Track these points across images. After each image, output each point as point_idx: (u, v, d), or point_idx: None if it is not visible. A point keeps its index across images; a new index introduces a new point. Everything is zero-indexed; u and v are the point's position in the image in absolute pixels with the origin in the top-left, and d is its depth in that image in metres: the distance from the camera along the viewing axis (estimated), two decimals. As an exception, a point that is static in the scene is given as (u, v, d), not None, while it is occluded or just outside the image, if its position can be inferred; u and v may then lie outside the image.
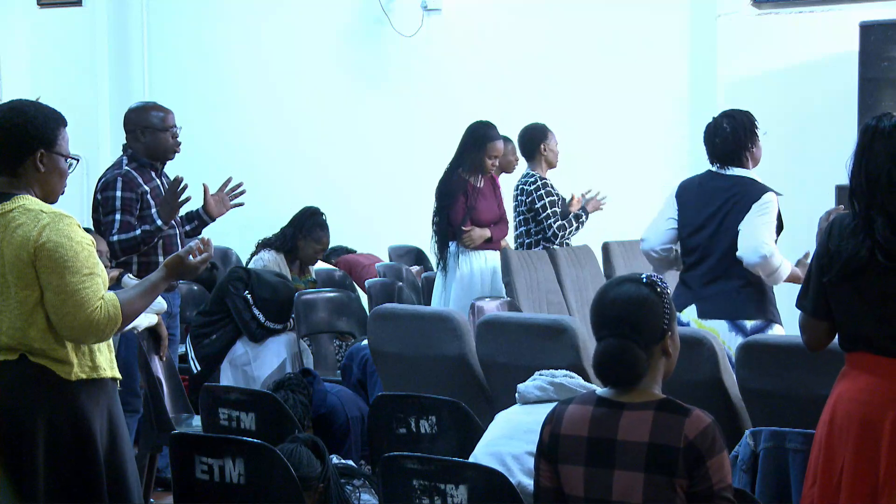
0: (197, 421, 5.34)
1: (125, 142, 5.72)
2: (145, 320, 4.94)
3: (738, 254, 4.87)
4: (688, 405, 2.87)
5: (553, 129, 7.29)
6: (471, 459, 3.56)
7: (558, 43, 9.28)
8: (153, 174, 5.65)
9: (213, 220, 5.84)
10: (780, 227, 5.00)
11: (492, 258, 6.92)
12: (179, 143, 5.71)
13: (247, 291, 6.31)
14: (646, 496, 2.81)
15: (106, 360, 3.47)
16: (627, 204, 8.24)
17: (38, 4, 10.69)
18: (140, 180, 5.55)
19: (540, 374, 3.66)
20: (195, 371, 6.30)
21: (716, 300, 4.95)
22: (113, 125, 9.39)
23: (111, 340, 3.52)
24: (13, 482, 3.35)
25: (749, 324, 4.89)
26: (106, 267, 4.28)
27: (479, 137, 6.91)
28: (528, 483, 3.37)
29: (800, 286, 3.40)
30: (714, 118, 5.13)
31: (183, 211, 5.76)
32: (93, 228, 5.56)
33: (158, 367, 5.49)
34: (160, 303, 4.87)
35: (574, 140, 7.78)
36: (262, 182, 8.81)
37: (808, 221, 4.35)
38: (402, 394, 4.41)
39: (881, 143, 3.21)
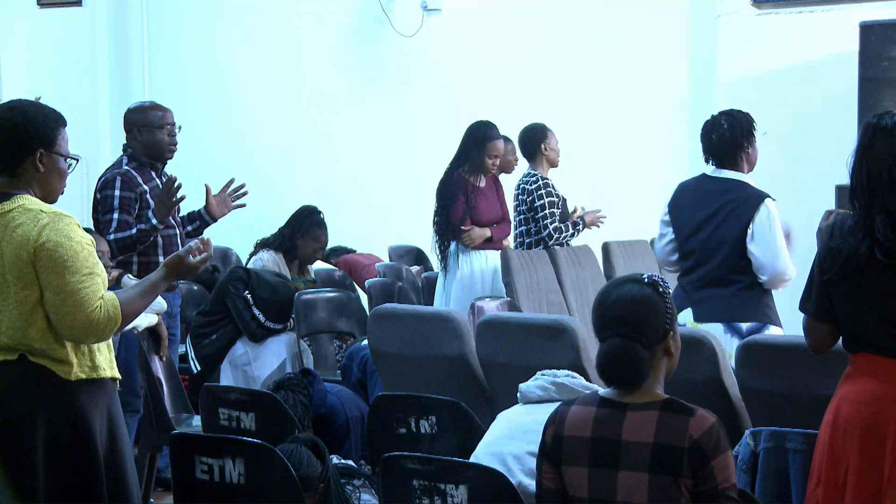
0: (197, 421, 5.34)
1: (125, 142, 5.72)
2: (145, 320, 4.94)
3: (763, 280, 4.89)
4: (692, 405, 2.87)
5: (553, 129, 7.29)
6: (472, 459, 3.56)
7: (558, 43, 9.28)
8: (153, 174, 5.65)
9: (215, 220, 5.85)
10: None
11: (492, 258, 6.92)
12: (176, 142, 5.71)
13: (247, 291, 6.31)
14: (650, 496, 2.81)
15: (105, 360, 3.47)
16: (627, 204, 8.25)
17: (38, 4, 10.69)
18: (139, 180, 5.55)
19: (542, 374, 3.66)
20: (195, 371, 6.30)
21: (711, 303, 4.95)
22: (113, 125, 9.40)
23: (111, 340, 3.52)
24: (13, 482, 3.35)
25: (745, 326, 4.89)
26: (106, 267, 4.29)
27: (479, 137, 6.91)
28: (529, 483, 3.37)
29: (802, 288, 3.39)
30: (713, 115, 5.12)
31: (185, 211, 5.76)
32: (93, 228, 5.57)
33: (158, 367, 5.48)
34: (160, 303, 4.88)
35: (574, 140, 7.78)
36: (262, 182, 8.80)
37: (808, 221, 4.35)
38: (402, 394, 4.41)
39: (882, 142, 3.20)
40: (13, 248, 3.32)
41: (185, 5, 10.55)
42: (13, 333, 3.34)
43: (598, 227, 7.34)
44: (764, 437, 3.74)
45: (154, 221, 5.42)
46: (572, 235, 7.20)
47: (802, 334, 3.45)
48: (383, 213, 9.64)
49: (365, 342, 5.80)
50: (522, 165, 7.43)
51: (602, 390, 3.00)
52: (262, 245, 6.95)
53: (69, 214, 3.40)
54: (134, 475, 3.56)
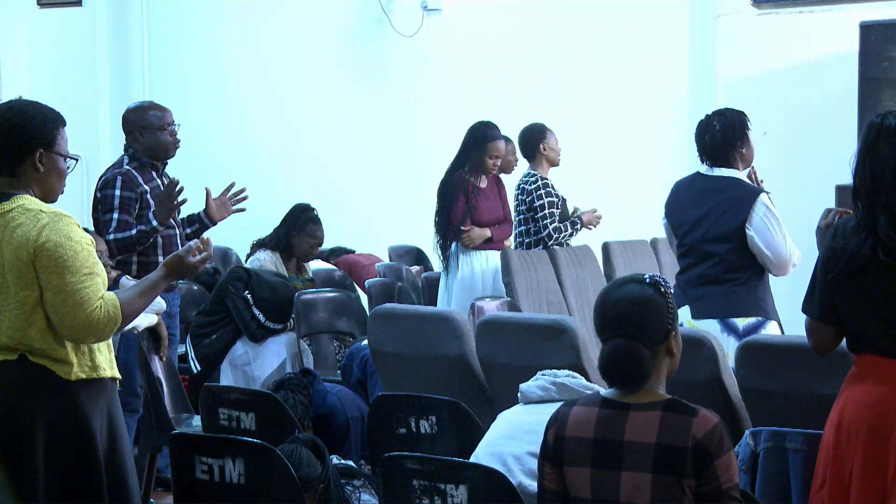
0: (197, 421, 5.34)
1: (125, 142, 5.72)
2: (145, 320, 4.94)
3: (773, 272, 4.92)
4: (694, 405, 2.87)
5: (553, 129, 7.29)
6: (472, 459, 3.56)
7: (558, 43, 9.28)
8: (154, 174, 5.65)
9: (215, 223, 5.84)
10: None
11: (493, 258, 6.92)
12: (178, 141, 5.71)
13: (247, 291, 6.31)
14: (653, 497, 2.80)
15: (105, 360, 3.47)
16: (627, 204, 8.25)
17: (38, 4, 10.69)
18: (140, 180, 5.55)
19: (542, 374, 3.66)
20: (195, 371, 6.30)
21: (707, 301, 4.95)
22: (113, 125, 9.39)
23: (111, 340, 3.52)
24: (13, 482, 3.35)
25: (742, 323, 4.89)
26: (106, 266, 4.28)
27: (480, 137, 6.92)
28: (529, 483, 3.37)
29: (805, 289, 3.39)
30: (706, 115, 5.13)
31: (185, 213, 5.76)
32: (92, 228, 5.56)
33: (158, 367, 5.48)
34: (160, 303, 4.87)
35: (574, 140, 7.79)
36: (262, 182, 8.82)
37: (808, 221, 4.35)
38: (402, 394, 4.41)
39: (886, 141, 3.19)
40: (13, 248, 3.32)
41: (185, 5, 10.55)
42: (13, 333, 3.34)
43: (592, 228, 7.34)
44: (764, 437, 3.74)
45: (154, 223, 5.42)
46: (571, 235, 7.20)
47: (802, 333, 3.44)
48: (383, 213, 9.64)
49: (365, 342, 5.80)
50: (523, 165, 7.43)
51: (604, 391, 2.99)
52: (259, 245, 6.94)
53: (69, 214, 3.40)
54: (134, 475, 3.56)
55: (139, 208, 5.50)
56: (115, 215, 5.44)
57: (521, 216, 7.17)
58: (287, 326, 6.41)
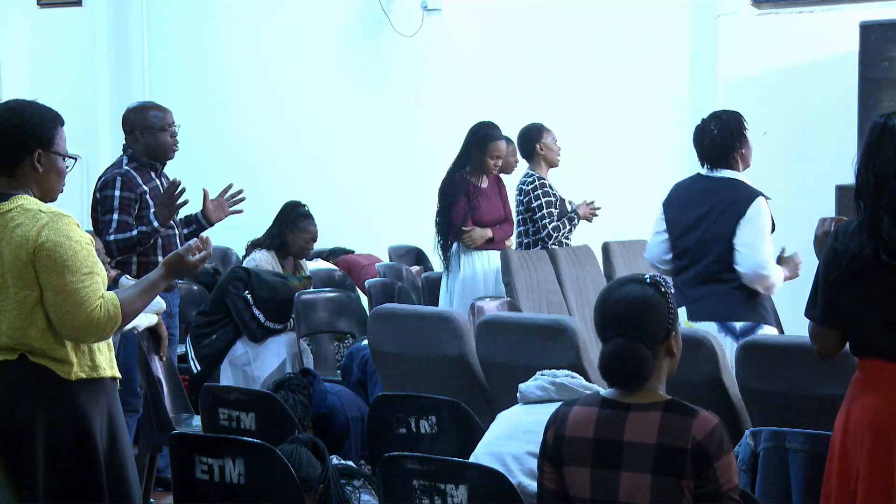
0: (197, 421, 5.34)
1: (125, 142, 5.71)
2: (145, 320, 4.93)
3: (738, 269, 4.88)
4: (694, 406, 2.87)
5: (553, 129, 7.29)
6: (471, 459, 3.56)
7: (558, 43, 9.28)
8: (153, 174, 5.65)
9: (212, 225, 5.82)
10: (771, 229, 4.99)
11: (494, 258, 6.92)
12: (178, 142, 5.70)
13: (247, 291, 6.31)
14: (653, 497, 2.80)
15: (105, 360, 3.47)
16: (627, 204, 8.24)
17: (38, 4, 10.69)
18: (139, 180, 5.55)
19: (541, 374, 3.66)
20: (195, 371, 6.30)
21: (706, 302, 4.95)
22: (113, 125, 9.39)
23: (111, 340, 3.52)
24: (13, 482, 3.35)
25: (739, 325, 4.89)
26: (105, 265, 4.28)
27: (481, 137, 6.92)
28: (529, 483, 3.36)
29: (808, 291, 3.38)
30: (703, 119, 5.13)
31: (182, 214, 5.75)
32: (91, 228, 5.56)
33: (158, 367, 5.48)
34: (159, 302, 4.87)
35: (574, 140, 7.79)
36: (262, 182, 8.83)
37: (808, 221, 4.35)
38: (402, 394, 4.41)
39: (890, 142, 3.18)
40: (12, 248, 3.32)
41: (185, 5, 10.55)
42: (13, 333, 3.34)
43: (590, 221, 7.32)
44: (764, 437, 3.74)
45: (156, 224, 5.42)
46: (570, 231, 7.20)
47: (802, 334, 3.44)
48: (383, 213, 9.64)
49: (365, 342, 5.80)
50: (523, 166, 7.44)
51: (604, 391, 2.99)
52: (254, 246, 6.93)
53: (68, 214, 3.40)
54: (134, 475, 3.56)
55: (138, 209, 5.49)
56: (115, 216, 5.44)
57: (520, 216, 7.18)
58: (287, 326, 6.41)
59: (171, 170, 5.82)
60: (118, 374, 3.54)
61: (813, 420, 3.75)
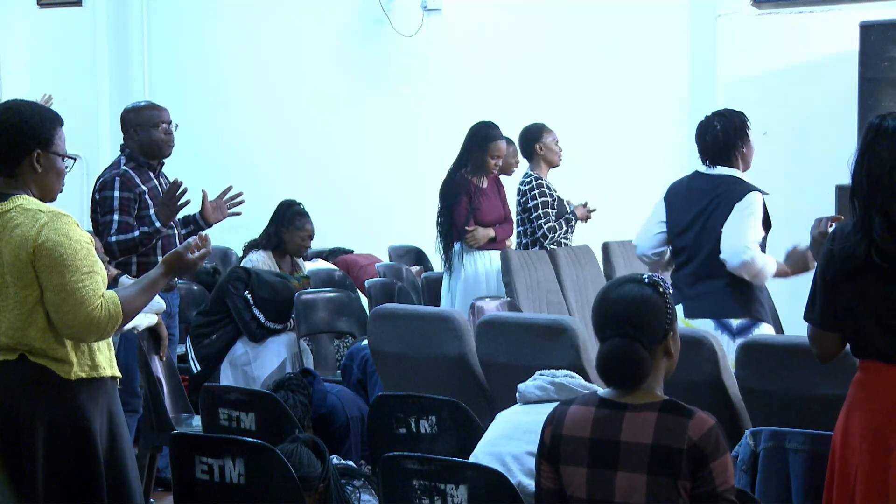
0: (197, 421, 5.34)
1: (122, 142, 5.72)
2: (145, 320, 4.94)
3: (721, 257, 4.88)
4: (691, 406, 2.87)
5: (553, 129, 7.29)
6: (471, 459, 3.56)
7: (558, 43, 9.28)
8: (151, 174, 5.65)
9: (210, 226, 5.82)
10: (768, 226, 4.98)
11: (496, 258, 6.93)
12: (172, 139, 5.70)
13: (247, 291, 6.31)
14: (649, 498, 2.80)
15: (106, 359, 3.47)
16: (627, 204, 8.23)
17: (38, 4, 10.69)
18: (138, 180, 5.55)
19: (541, 374, 3.66)
20: (195, 371, 6.30)
21: (702, 300, 4.96)
22: (113, 125, 9.37)
23: (111, 339, 3.52)
24: (13, 482, 3.35)
25: (735, 323, 4.89)
26: (104, 263, 4.28)
27: (481, 137, 6.92)
28: (528, 483, 3.36)
29: (807, 293, 3.37)
30: (707, 116, 5.13)
31: (180, 214, 5.75)
32: (91, 229, 5.56)
33: (158, 367, 5.48)
34: (159, 302, 4.87)
35: (574, 140, 7.79)
36: (262, 182, 8.84)
37: (808, 221, 4.34)
38: (402, 394, 4.41)
39: (885, 143, 3.18)
40: (12, 247, 3.32)
41: (185, 5, 10.55)
42: (13, 333, 3.34)
43: (586, 221, 7.33)
44: (764, 437, 3.74)
45: (157, 224, 5.42)
46: (567, 232, 7.20)
47: (802, 334, 3.44)
48: (383, 213, 9.64)
49: (365, 342, 5.80)
50: (524, 166, 7.44)
51: (601, 390, 2.99)
52: (251, 247, 6.92)
53: (67, 213, 3.40)
54: (135, 475, 3.56)
55: (138, 209, 5.50)
56: (116, 217, 5.44)
57: (519, 217, 7.19)
58: (287, 326, 6.41)
59: (172, 170, 5.82)
60: (118, 374, 3.54)
61: (813, 420, 3.75)
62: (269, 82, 10.25)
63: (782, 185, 7.26)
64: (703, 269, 4.97)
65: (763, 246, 4.95)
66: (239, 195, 5.82)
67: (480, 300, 6.32)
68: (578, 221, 7.28)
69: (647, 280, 2.95)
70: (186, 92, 10.22)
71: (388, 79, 9.90)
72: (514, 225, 7.24)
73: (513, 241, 7.42)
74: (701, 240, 4.98)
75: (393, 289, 7.16)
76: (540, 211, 7.04)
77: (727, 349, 4.57)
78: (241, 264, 6.82)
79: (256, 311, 6.29)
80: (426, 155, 8.73)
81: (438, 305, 6.98)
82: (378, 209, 9.70)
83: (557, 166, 7.28)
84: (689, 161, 6.23)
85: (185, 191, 5.40)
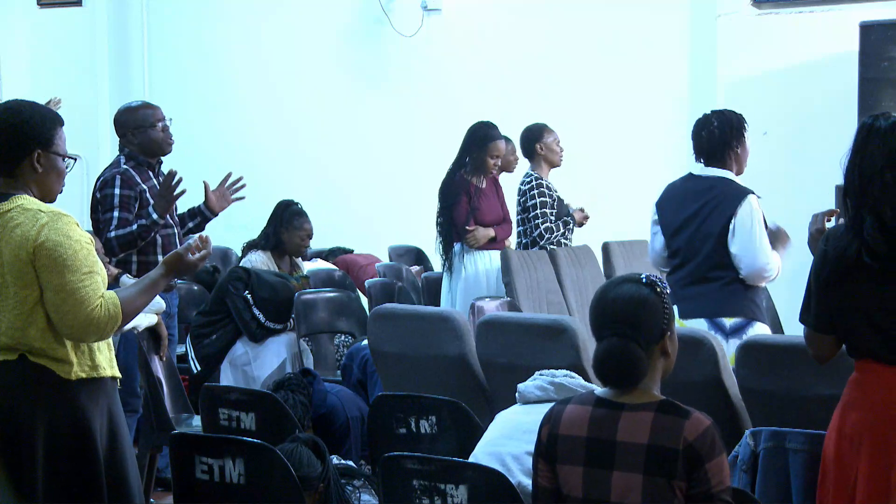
0: (197, 421, 5.34)
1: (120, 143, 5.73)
2: (145, 320, 4.94)
3: (742, 275, 4.89)
4: (687, 407, 2.87)
5: (553, 128, 7.30)
6: (471, 459, 3.56)
7: (558, 43, 9.28)
8: (150, 173, 5.65)
9: (216, 215, 5.85)
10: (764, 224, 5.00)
11: (496, 258, 6.93)
12: (171, 135, 5.70)
13: (247, 291, 6.31)
14: (644, 498, 2.80)
15: (105, 359, 3.47)
16: (627, 204, 8.24)
17: (38, 4, 10.70)
18: (138, 179, 5.56)
19: (540, 374, 3.66)
20: (195, 371, 6.30)
21: (697, 300, 4.96)
22: (113, 125, 9.41)
23: (111, 339, 3.52)
24: (13, 482, 3.35)
25: (729, 322, 4.89)
26: (105, 263, 4.29)
27: (480, 137, 6.92)
28: (528, 483, 3.36)
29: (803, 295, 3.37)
30: (705, 114, 5.13)
31: (184, 207, 5.76)
32: (91, 228, 5.56)
33: (158, 367, 5.48)
34: (159, 302, 4.87)
35: (574, 140, 7.79)
36: (262, 182, 8.80)
37: (807, 221, 4.36)
38: (402, 394, 4.41)
39: (877, 143, 3.17)
40: (12, 247, 3.32)
41: (185, 5, 10.56)
42: (13, 333, 3.34)
43: (581, 226, 7.35)
44: (764, 437, 3.74)
45: (155, 216, 5.42)
46: (563, 234, 7.21)
47: (801, 333, 3.44)
48: (383, 213, 9.64)
49: (365, 342, 5.80)
50: (525, 166, 7.44)
51: (598, 390, 2.99)
52: (250, 247, 6.92)
53: (68, 213, 3.40)
54: (135, 475, 3.56)
55: (138, 207, 5.50)
56: (116, 213, 5.45)
57: (519, 217, 7.19)
58: (287, 326, 6.41)
59: (172, 168, 5.82)
60: (118, 374, 3.54)
61: (813, 420, 3.74)
62: (269, 82, 10.26)
63: (782, 185, 7.27)
64: (697, 272, 4.98)
65: None
66: (240, 180, 5.84)
67: (480, 300, 6.32)
68: (575, 225, 7.29)
69: (644, 280, 2.95)
70: (186, 92, 10.23)
71: (388, 79, 9.90)
72: (515, 225, 7.25)
73: (513, 242, 7.42)
74: (695, 242, 4.98)
75: (393, 289, 7.16)
76: (538, 211, 7.05)
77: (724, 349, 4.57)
78: (241, 264, 6.82)
79: (256, 311, 6.29)
80: (426, 155, 8.73)
81: (438, 305, 6.98)
82: (378, 209, 9.70)
83: (558, 166, 7.28)
84: (688, 161, 6.23)
85: (180, 180, 5.40)
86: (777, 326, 6.53)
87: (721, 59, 8.69)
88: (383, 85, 9.92)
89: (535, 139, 7.22)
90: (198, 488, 3.61)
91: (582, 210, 7.36)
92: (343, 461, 4.49)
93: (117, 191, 5.48)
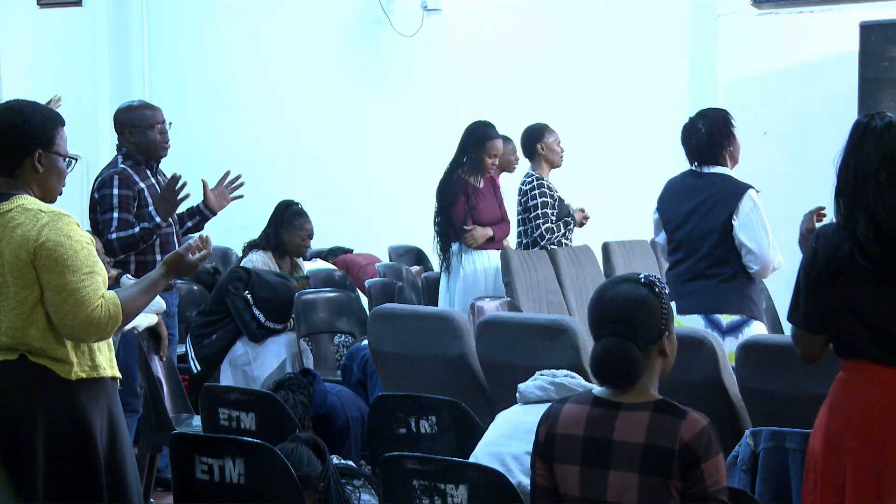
0: (197, 421, 5.34)
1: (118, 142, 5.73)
2: (145, 320, 4.94)
3: (751, 270, 4.90)
4: (684, 407, 2.87)
5: (553, 128, 7.30)
6: (471, 459, 3.56)
7: (558, 43, 9.28)
8: (148, 172, 5.65)
9: (215, 213, 5.84)
10: None
11: (494, 258, 6.93)
12: (168, 139, 5.70)
13: (247, 291, 6.31)
14: (640, 497, 2.80)
15: (106, 360, 3.47)
16: (627, 204, 8.24)
17: (38, 4, 10.70)
18: (136, 178, 5.56)
19: (541, 374, 3.66)
20: (195, 371, 6.30)
21: (695, 296, 4.97)
22: (112, 123, 9.42)
23: (111, 339, 3.52)
24: (13, 482, 3.35)
25: (725, 320, 4.90)
26: (105, 263, 4.28)
27: (478, 137, 6.91)
28: (528, 483, 3.36)
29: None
30: (690, 118, 5.15)
31: (183, 207, 5.76)
32: (90, 229, 5.56)
33: (158, 367, 5.48)
34: (159, 302, 4.88)
35: (574, 140, 7.79)
36: (262, 182, 8.82)
37: (806, 221, 4.39)
38: (402, 394, 4.41)
39: (872, 143, 3.16)
40: (13, 247, 3.32)
41: (185, 5, 10.56)
42: (13, 333, 3.34)
43: (581, 227, 7.35)
44: (764, 437, 3.74)
45: (157, 219, 5.42)
46: (564, 235, 7.21)
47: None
48: (383, 213, 9.64)
49: (365, 342, 5.80)
50: (525, 166, 7.44)
51: (596, 389, 2.99)
52: (251, 247, 6.93)
53: (68, 213, 3.40)
54: (134, 475, 3.56)
55: (137, 206, 5.50)
56: (116, 214, 5.45)
57: (520, 216, 7.19)
58: (287, 326, 6.41)
59: (172, 169, 5.82)
60: (118, 374, 3.54)
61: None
62: (269, 82, 10.26)
63: (782, 185, 7.27)
64: (696, 268, 4.99)
65: None
66: (238, 178, 5.83)
67: (480, 300, 6.32)
68: (576, 225, 7.29)
69: (643, 280, 2.95)
70: (186, 92, 10.23)
71: (388, 79, 9.91)
72: (515, 225, 7.25)
73: (513, 241, 7.42)
74: (695, 238, 5.00)
75: (393, 289, 7.16)
76: (539, 211, 7.05)
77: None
78: (241, 264, 6.82)
79: (256, 311, 6.29)
80: (426, 155, 8.72)
81: (437, 305, 6.98)
82: (378, 209, 9.70)
83: (559, 167, 7.28)
84: (688, 161, 6.24)
85: (184, 184, 5.40)
86: (777, 326, 6.54)
87: (721, 59, 8.69)
88: (383, 85, 9.92)
89: (536, 139, 7.22)
90: (198, 488, 3.61)
91: (582, 210, 7.36)
92: (343, 461, 4.49)
93: (116, 191, 5.48)
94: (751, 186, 4.97)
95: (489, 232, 6.92)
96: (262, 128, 10.21)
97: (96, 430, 3.41)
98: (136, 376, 5.45)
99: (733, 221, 4.91)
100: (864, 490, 3.11)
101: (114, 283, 4.77)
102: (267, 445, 3.59)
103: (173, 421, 5.43)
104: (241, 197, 5.87)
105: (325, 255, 8.59)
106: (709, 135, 5.03)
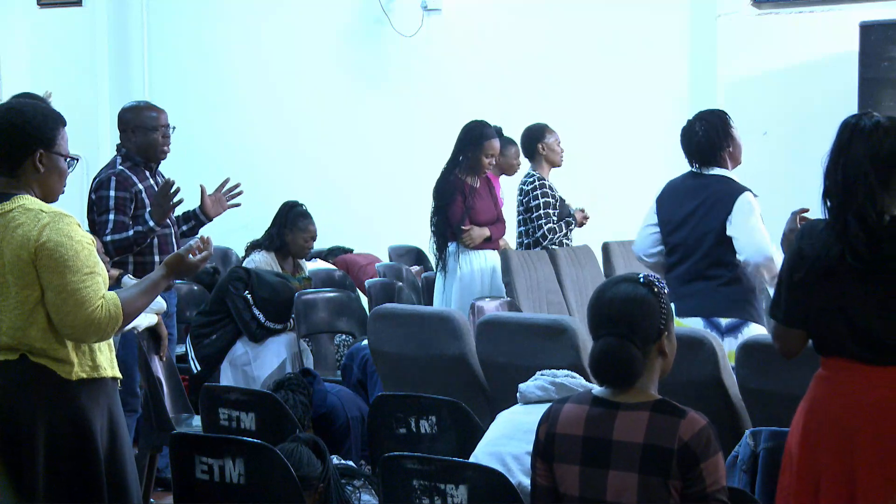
0: (197, 421, 5.34)
1: (119, 141, 5.73)
2: (145, 320, 4.94)
3: (742, 259, 4.87)
4: (683, 406, 2.87)
5: (553, 129, 7.30)
6: (471, 459, 3.56)
7: (558, 43, 9.28)
8: (147, 173, 5.65)
9: (210, 220, 5.84)
10: None
11: (491, 257, 6.92)
12: (169, 143, 5.70)
13: (247, 291, 6.31)
14: (640, 497, 2.81)
15: (106, 360, 3.47)
16: (627, 204, 8.23)
17: (38, 4, 10.70)
18: (134, 179, 5.56)
19: (541, 374, 3.66)
20: (195, 371, 6.30)
21: (694, 298, 4.96)
22: (113, 125, 9.29)
23: (112, 340, 3.52)
24: (13, 482, 3.35)
25: (724, 322, 4.89)
26: (105, 263, 4.28)
27: (475, 136, 6.90)
28: (528, 483, 3.36)
29: None
30: (688, 121, 5.14)
31: (180, 210, 5.76)
32: (88, 229, 5.56)
33: (158, 367, 5.48)
34: (159, 302, 4.87)
35: (574, 140, 7.79)
36: (262, 182, 8.83)
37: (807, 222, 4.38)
38: (402, 394, 4.41)
39: (860, 143, 3.13)
40: (13, 248, 3.32)
41: (185, 5, 10.56)
42: (14, 333, 3.34)
43: (581, 227, 7.35)
44: (764, 437, 3.74)
45: (151, 223, 5.42)
46: (565, 235, 7.21)
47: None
48: (383, 213, 9.64)
49: (365, 342, 5.80)
50: (526, 166, 7.45)
51: (596, 389, 3.00)
52: (253, 247, 6.93)
53: (69, 214, 3.40)
54: (134, 475, 3.56)
55: (134, 208, 5.50)
56: (111, 216, 5.44)
57: (520, 217, 7.19)
58: (287, 326, 6.41)
59: (172, 170, 5.82)
60: (119, 374, 3.54)
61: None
62: (269, 82, 10.26)
63: (782, 185, 7.26)
64: (695, 269, 4.99)
65: None
66: (237, 186, 5.83)
67: (480, 300, 6.32)
68: (576, 225, 7.30)
69: (642, 280, 2.96)
70: (186, 92, 10.23)
71: (388, 79, 9.90)
72: (515, 225, 7.25)
73: (513, 242, 7.41)
74: (694, 240, 5.00)
75: (393, 289, 7.16)
76: (541, 211, 7.05)
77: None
78: (243, 265, 6.82)
79: (256, 311, 6.29)
80: (426, 155, 8.71)
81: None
82: (378, 209, 9.70)
83: (559, 166, 7.29)
84: (688, 163, 6.24)
85: (177, 190, 5.40)
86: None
87: (721, 59, 8.69)
88: (383, 85, 9.92)
89: (536, 139, 7.22)
90: (198, 488, 3.61)
91: (582, 210, 7.37)
92: (343, 461, 4.49)
93: (112, 192, 5.48)
94: (748, 189, 4.97)
95: (486, 232, 6.91)
96: (262, 128, 10.21)
97: (97, 430, 3.42)
98: (135, 376, 5.45)
99: (728, 223, 4.90)
100: (838, 489, 3.10)
101: (115, 284, 4.78)
102: (267, 445, 3.59)
103: (173, 421, 5.43)
104: (238, 206, 5.86)
105: (325, 255, 8.59)
106: (707, 137, 5.02)
